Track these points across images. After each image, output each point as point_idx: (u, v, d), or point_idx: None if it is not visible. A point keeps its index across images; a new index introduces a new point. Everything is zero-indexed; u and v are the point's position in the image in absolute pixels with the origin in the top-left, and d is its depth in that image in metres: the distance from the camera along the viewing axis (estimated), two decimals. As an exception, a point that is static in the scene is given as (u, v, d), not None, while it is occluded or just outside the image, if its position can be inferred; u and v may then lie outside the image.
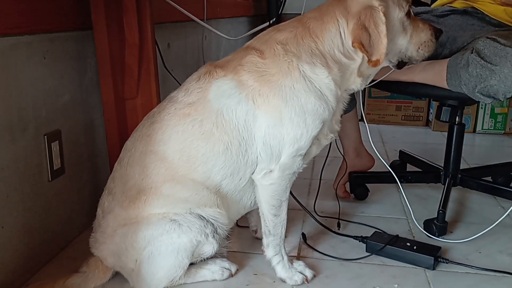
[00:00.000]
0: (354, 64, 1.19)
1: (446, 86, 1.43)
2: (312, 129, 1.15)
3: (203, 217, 1.18)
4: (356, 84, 1.24)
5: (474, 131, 2.82)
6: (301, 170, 1.22)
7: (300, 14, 1.63)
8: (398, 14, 1.19)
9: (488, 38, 1.35)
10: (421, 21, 1.26)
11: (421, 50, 1.25)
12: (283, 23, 1.23)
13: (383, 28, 1.13)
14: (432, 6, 1.75)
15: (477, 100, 1.39)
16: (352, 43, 1.15)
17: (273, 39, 1.17)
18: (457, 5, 1.63)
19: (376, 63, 1.15)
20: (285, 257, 1.27)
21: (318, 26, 1.17)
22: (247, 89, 1.14)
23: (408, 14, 1.21)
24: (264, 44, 1.18)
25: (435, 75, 1.44)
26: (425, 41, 1.25)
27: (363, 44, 1.13)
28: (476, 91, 1.36)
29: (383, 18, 1.13)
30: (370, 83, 1.34)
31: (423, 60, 1.28)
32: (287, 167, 1.17)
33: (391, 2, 1.17)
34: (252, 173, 1.19)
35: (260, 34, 1.23)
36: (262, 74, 1.14)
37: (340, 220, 1.59)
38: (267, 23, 2.46)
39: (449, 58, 1.44)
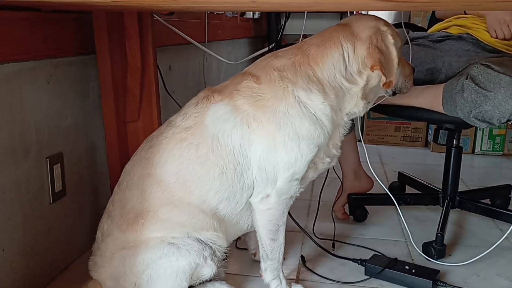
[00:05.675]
0: (356, 88, 1.20)
1: (442, 111, 1.46)
2: (307, 153, 1.16)
3: (201, 240, 1.18)
4: (359, 107, 1.24)
5: (473, 152, 2.84)
6: (298, 194, 1.23)
7: (300, 35, 1.67)
8: (398, 42, 1.23)
9: (482, 64, 1.38)
10: (402, 57, 1.32)
11: (407, 82, 1.35)
12: (282, 49, 1.24)
13: (393, 50, 1.20)
14: (428, 31, 1.79)
15: (472, 124, 1.41)
16: (372, 66, 1.16)
17: (270, 65, 1.19)
18: (453, 31, 1.67)
19: (389, 84, 1.19)
20: (283, 281, 1.28)
21: (319, 53, 1.18)
22: (242, 113, 1.15)
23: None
24: (260, 70, 1.20)
25: (431, 99, 1.46)
26: (408, 74, 1.35)
27: (383, 65, 1.16)
28: (472, 116, 1.38)
29: (392, 41, 1.19)
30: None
31: (405, 93, 1.37)
32: (283, 191, 1.18)
33: (393, 30, 1.23)
34: (249, 197, 1.20)
35: (258, 60, 1.25)
36: (256, 99, 1.15)
37: (337, 242, 1.59)
38: (267, 48, 2.49)
39: (445, 83, 1.47)
